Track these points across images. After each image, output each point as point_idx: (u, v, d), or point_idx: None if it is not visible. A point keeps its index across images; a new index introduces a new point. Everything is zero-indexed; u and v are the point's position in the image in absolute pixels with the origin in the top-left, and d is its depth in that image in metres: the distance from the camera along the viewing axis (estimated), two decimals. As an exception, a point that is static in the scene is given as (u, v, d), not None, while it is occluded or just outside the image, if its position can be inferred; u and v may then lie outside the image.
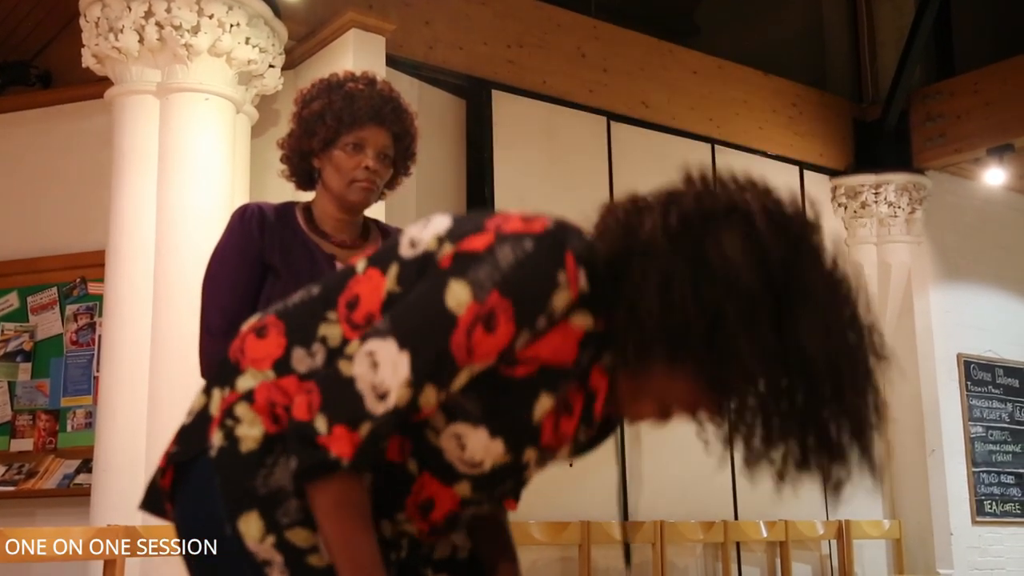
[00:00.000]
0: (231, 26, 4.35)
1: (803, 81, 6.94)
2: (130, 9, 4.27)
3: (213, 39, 4.31)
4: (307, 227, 2.18)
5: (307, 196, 2.27)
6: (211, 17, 4.30)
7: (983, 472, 6.98)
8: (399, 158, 2.21)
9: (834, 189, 6.90)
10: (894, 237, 6.81)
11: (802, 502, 6.21)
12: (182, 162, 4.26)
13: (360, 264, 1.31)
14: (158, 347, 4.10)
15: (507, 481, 1.32)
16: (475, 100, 5.49)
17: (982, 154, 6.73)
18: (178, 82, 4.32)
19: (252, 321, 1.37)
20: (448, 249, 1.22)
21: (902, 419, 6.69)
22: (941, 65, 7.27)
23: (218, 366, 1.35)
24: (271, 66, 4.62)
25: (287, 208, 2.21)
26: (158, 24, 4.26)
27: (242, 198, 4.46)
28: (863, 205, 6.83)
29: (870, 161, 6.90)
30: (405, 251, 1.27)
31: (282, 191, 2.51)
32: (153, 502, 1.36)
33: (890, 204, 6.80)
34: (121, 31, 4.27)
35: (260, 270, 2.13)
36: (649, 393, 1.23)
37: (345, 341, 1.26)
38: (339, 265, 2.14)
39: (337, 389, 1.19)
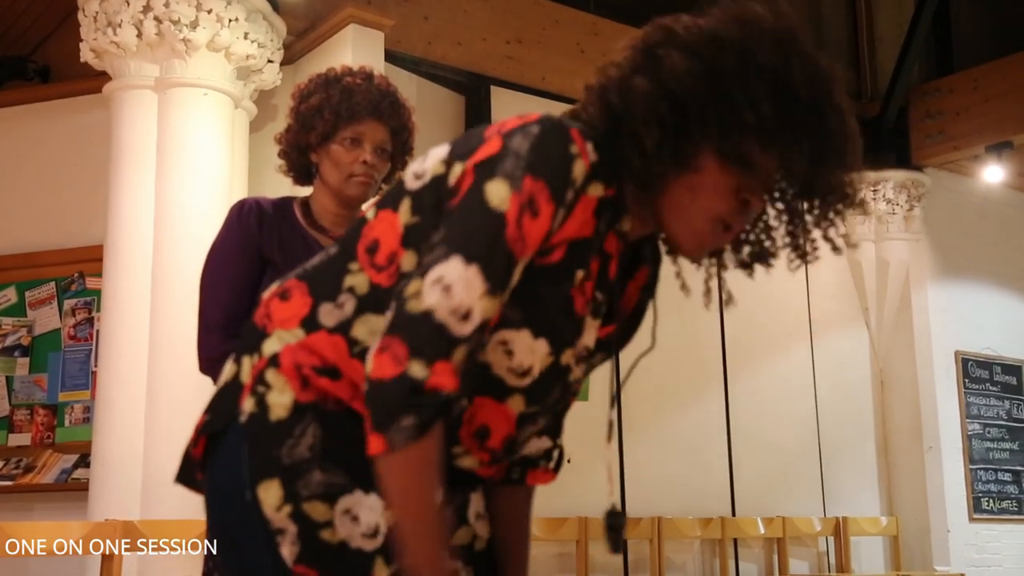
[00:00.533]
0: (230, 21, 4.34)
1: (802, 78, 6.93)
2: (128, 4, 4.26)
3: (212, 34, 4.30)
4: (305, 222, 2.18)
5: (305, 191, 2.27)
6: (209, 12, 4.29)
7: (980, 469, 6.99)
8: (396, 153, 2.21)
9: (833, 186, 6.89)
10: (892, 234, 6.81)
11: (800, 499, 6.23)
12: (180, 157, 4.26)
13: (370, 212, 1.32)
14: (156, 342, 4.10)
15: (555, 389, 1.33)
16: (474, 96, 5.49)
17: (981, 151, 6.72)
18: (176, 77, 4.31)
19: (273, 288, 1.36)
20: (461, 167, 1.24)
21: (900, 416, 6.71)
22: (940, 62, 7.26)
23: (245, 334, 1.34)
24: (270, 61, 4.61)
25: (285, 203, 2.21)
26: (156, 19, 4.25)
27: (240, 193, 4.45)
28: (861, 202, 6.82)
29: (869, 158, 6.75)
30: (412, 184, 1.28)
31: (280, 186, 2.51)
32: (186, 473, 1.36)
33: (889, 201, 6.80)
34: (119, 26, 4.27)
35: (259, 264, 2.13)
36: (677, 212, 1.28)
37: (373, 286, 1.26)
38: None
39: (417, 329, 1.15)
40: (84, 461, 4.46)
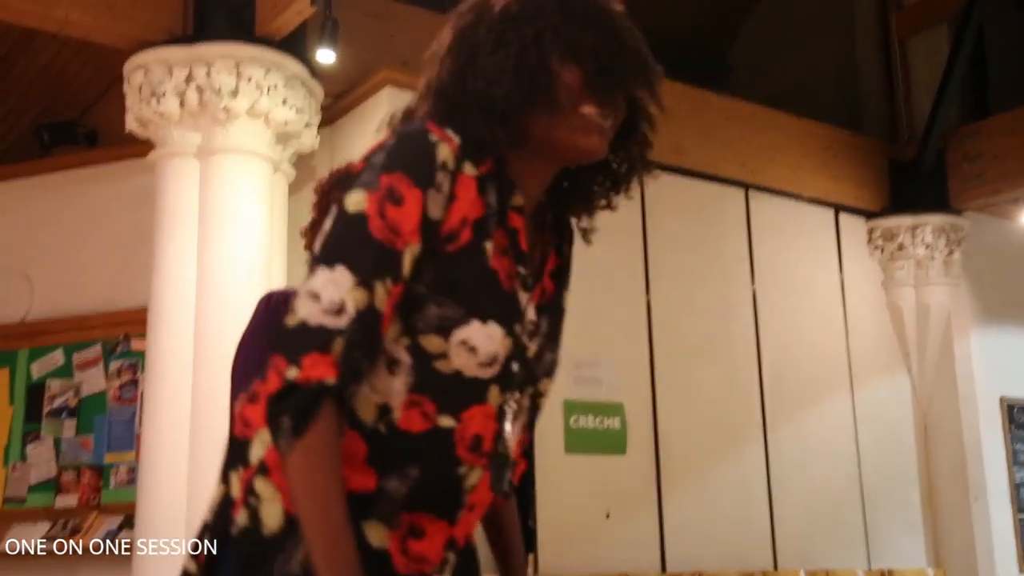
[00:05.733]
0: (269, 88, 4.44)
1: (837, 122, 6.91)
2: (171, 74, 4.39)
3: (251, 101, 4.40)
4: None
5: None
6: (249, 80, 4.40)
7: (1029, 519, 6.84)
8: None
9: (870, 231, 6.85)
10: (932, 279, 6.74)
11: (843, 550, 6.14)
12: (222, 221, 4.35)
13: None
14: (198, 402, 4.17)
15: (519, 367, 1.34)
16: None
17: (1021, 194, 6.67)
18: (218, 144, 4.41)
19: (241, 397, 1.38)
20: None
21: (945, 464, 6.60)
22: (977, 104, 7.22)
23: (228, 449, 1.35)
24: (307, 125, 4.70)
25: None
26: (198, 88, 4.37)
27: (280, 255, 4.55)
28: (900, 247, 6.77)
29: (906, 202, 6.84)
30: None
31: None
32: None
33: (928, 246, 6.74)
34: (163, 95, 4.39)
35: None
36: (551, 128, 1.32)
37: None
38: None
39: (293, 340, 1.19)
40: (129, 523, 4.51)
